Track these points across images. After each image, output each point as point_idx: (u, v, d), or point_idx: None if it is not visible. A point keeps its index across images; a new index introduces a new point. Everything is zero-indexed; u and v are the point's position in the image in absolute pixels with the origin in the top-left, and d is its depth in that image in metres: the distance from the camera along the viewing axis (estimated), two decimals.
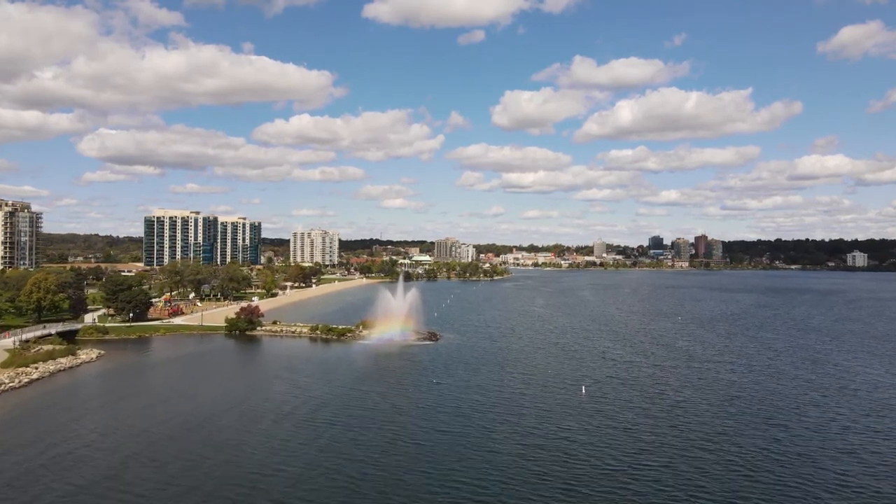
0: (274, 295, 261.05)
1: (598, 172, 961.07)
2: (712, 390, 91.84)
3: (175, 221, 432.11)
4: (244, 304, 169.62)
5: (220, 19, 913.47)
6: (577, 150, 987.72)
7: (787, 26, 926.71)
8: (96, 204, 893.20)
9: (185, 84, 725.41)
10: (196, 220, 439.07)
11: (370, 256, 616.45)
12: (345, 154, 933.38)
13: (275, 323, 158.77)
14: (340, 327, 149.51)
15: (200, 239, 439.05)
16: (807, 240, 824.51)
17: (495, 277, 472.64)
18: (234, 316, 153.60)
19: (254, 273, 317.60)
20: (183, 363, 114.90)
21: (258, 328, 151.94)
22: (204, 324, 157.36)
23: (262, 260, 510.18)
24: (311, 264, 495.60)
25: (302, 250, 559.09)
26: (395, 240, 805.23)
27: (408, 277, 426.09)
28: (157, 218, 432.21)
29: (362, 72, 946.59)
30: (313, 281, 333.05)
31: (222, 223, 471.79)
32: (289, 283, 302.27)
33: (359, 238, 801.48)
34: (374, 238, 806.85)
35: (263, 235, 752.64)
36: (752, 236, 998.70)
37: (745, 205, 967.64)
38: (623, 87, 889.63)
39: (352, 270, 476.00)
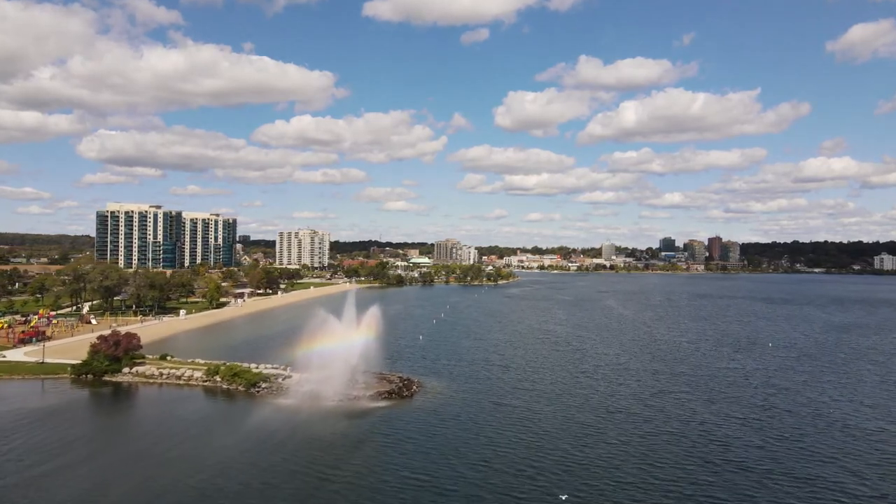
0: (220, 306, 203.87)
1: (601, 175, 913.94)
2: None
3: (132, 217, 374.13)
4: (110, 329, 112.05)
5: (219, 18, 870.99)
6: (581, 152, 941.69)
7: (796, 24, 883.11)
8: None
9: (185, 84, 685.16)
10: (156, 216, 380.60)
11: (366, 258, 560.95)
12: (346, 156, 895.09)
13: (163, 358, 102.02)
14: (254, 370, 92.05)
15: (161, 237, 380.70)
16: (826, 241, 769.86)
17: (500, 282, 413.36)
18: (91, 348, 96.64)
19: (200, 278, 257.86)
20: None
21: (128, 368, 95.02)
22: (47, 361, 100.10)
23: (248, 262, 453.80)
24: (297, 266, 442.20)
25: (289, 251, 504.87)
26: (395, 242, 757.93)
27: (401, 281, 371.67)
28: (112, 213, 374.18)
29: (364, 72, 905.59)
30: (281, 287, 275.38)
31: (192, 220, 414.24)
32: (247, 291, 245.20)
33: (360, 240, 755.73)
34: (373, 240, 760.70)
35: (262, 237, 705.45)
36: (754, 239, 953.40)
37: (749, 207, 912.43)
38: (629, 88, 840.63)
39: (338, 273, 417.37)
